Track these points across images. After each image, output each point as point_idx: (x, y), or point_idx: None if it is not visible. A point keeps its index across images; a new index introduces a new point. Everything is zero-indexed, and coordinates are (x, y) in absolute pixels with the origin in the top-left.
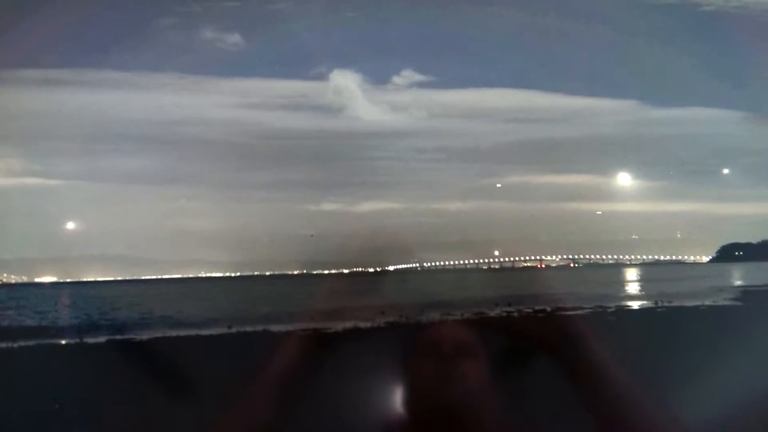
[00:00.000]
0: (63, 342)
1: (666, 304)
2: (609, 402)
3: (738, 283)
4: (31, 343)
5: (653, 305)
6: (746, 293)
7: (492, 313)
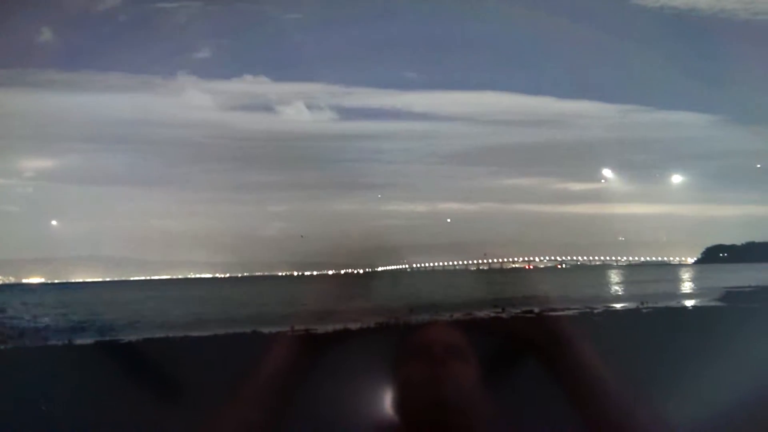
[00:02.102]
0: (51, 343)
1: (651, 305)
2: (596, 401)
3: (721, 284)
4: (19, 344)
5: (639, 306)
6: (729, 294)
7: (481, 314)
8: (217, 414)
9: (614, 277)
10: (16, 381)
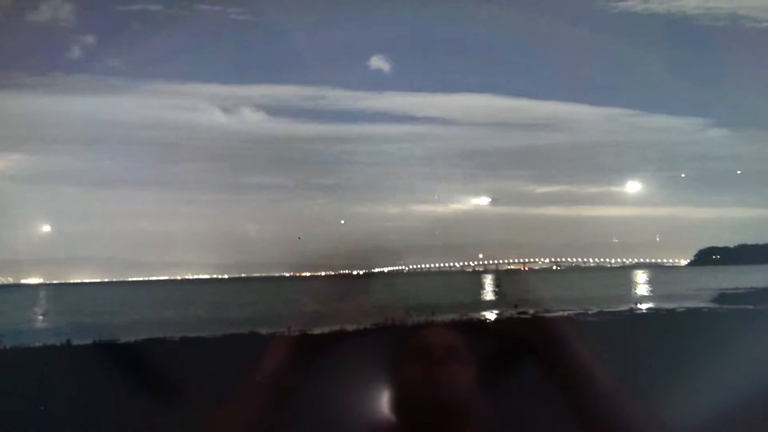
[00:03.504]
0: (49, 344)
1: (645, 307)
2: (592, 402)
3: (715, 286)
4: (17, 344)
5: (632, 307)
6: (723, 296)
7: (477, 316)
8: (214, 415)
9: (608, 278)
10: (14, 381)
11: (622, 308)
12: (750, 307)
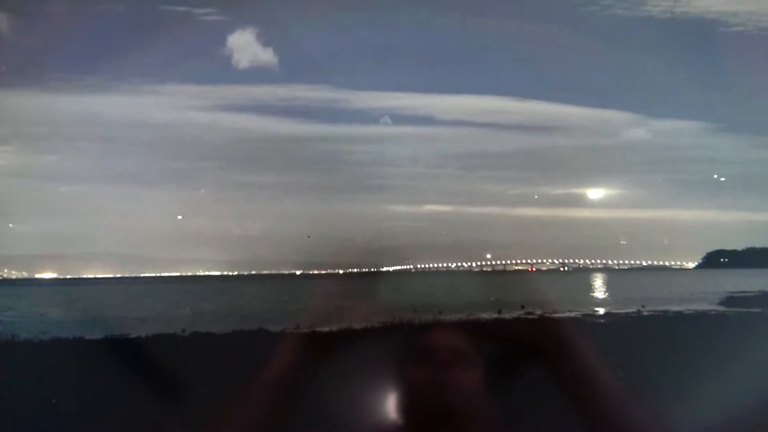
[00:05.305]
0: (61, 337)
1: (652, 309)
2: (599, 404)
3: (723, 288)
4: (30, 338)
5: (640, 309)
6: (731, 298)
7: (484, 316)
8: (223, 411)
9: (616, 280)
10: (26, 375)
11: (629, 310)
12: (758, 310)
